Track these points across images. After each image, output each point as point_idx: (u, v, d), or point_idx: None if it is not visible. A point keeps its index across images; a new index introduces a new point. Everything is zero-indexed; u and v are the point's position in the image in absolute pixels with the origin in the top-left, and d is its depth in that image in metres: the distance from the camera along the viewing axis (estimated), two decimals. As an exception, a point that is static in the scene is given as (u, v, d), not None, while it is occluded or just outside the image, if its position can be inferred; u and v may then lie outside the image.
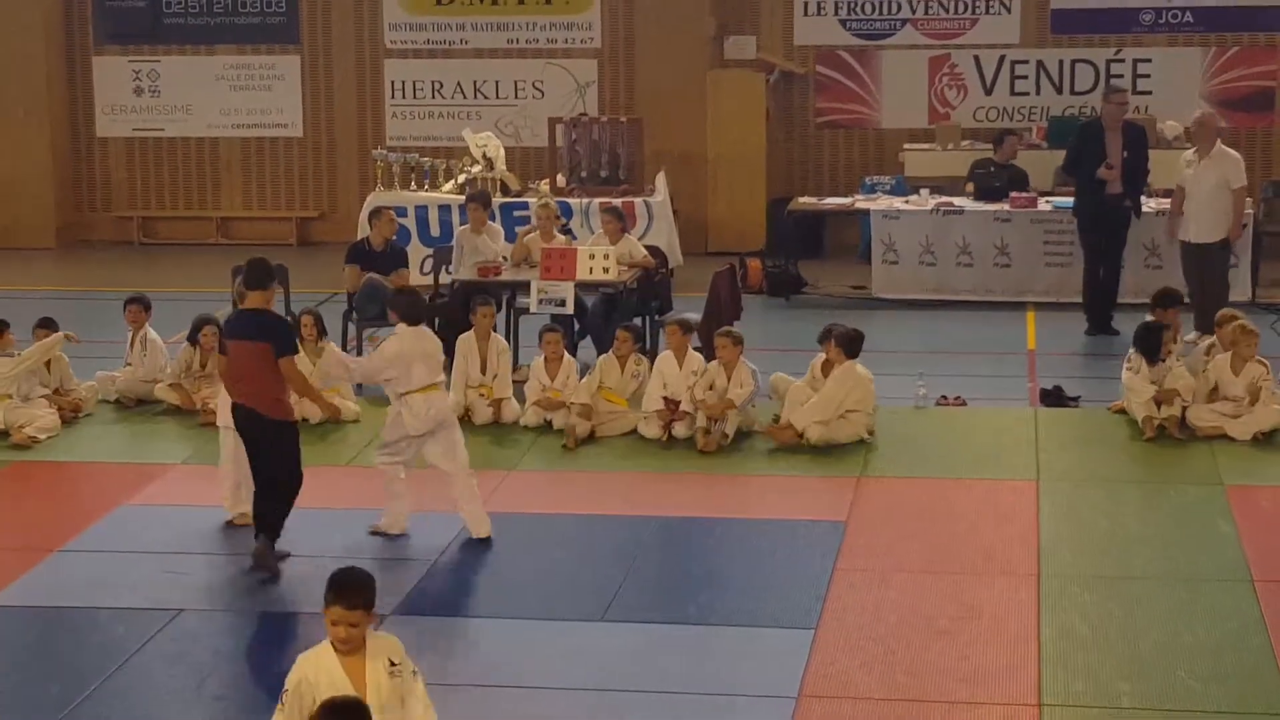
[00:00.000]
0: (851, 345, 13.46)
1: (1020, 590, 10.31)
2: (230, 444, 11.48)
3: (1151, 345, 13.58)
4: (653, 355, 14.42)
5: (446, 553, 11.12)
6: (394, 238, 16.63)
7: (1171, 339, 13.72)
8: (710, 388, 13.47)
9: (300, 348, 12.24)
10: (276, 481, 10.85)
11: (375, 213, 16.75)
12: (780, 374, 13.97)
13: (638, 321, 15.36)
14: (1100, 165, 16.92)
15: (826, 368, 13.57)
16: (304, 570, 10.76)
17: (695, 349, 14.15)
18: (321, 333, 14.40)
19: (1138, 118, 19.94)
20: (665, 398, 13.50)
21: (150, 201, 23.56)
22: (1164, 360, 13.55)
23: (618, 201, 18.49)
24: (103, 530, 11.61)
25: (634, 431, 13.63)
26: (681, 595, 10.44)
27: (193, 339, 14.69)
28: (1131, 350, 13.77)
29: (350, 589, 7.18)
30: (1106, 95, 18.31)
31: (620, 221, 16.19)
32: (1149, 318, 14.10)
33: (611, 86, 22.62)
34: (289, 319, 13.38)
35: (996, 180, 19.36)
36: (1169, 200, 17.12)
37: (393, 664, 7.23)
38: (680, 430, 13.47)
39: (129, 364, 14.78)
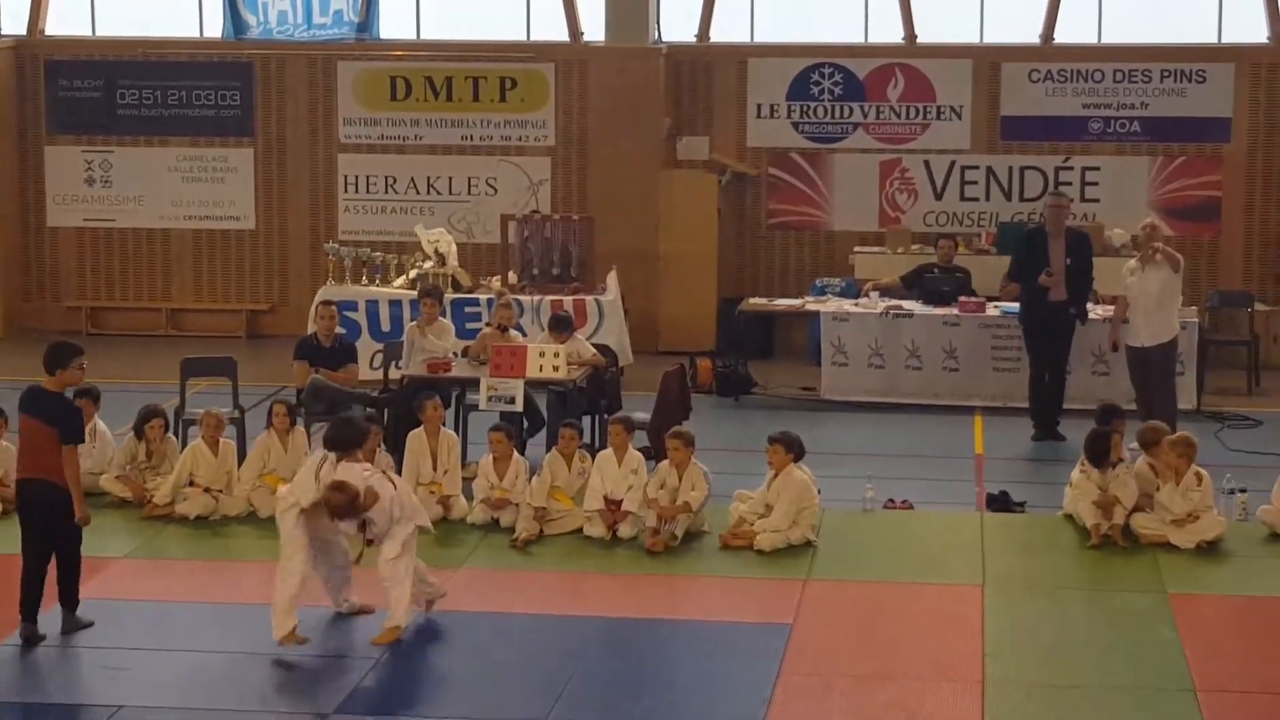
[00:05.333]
0: (799, 447, 13.54)
1: (965, 697, 10.32)
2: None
3: (1099, 451, 13.67)
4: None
5: (391, 650, 11.05)
6: (343, 332, 16.65)
7: (1119, 445, 13.80)
8: (661, 487, 13.49)
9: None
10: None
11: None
12: (738, 499, 13.86)
13: (585, 419, 15.38)
14: (1042, 272, 17.06)
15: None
16: (242, 668, 10.70)
17: (640, 448, 14.18)
18: (293, 422, 14.50)
19: (1084, 225, 20.16)
20: (606, 497, 13.51)
21: (100, 292, 23.48)
22: (1112, 466, 13.63)
23: (568, 302, 18.60)
24: (43, 625, 11.44)
25: (579, 530, 13.61)
26: (627, 697, 10.40)
27: (138, 431, 14.66)
28: (1083, 455, 13.85)
29: None
30: (1047, 200, 18.49)
31: (565, 332, 16.12)
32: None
33: (564, 184, 22.73)
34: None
35: (944, 285, 19.50)
36: (1114, 306, 17.23)
37: None
38: (625, 530, 13.47)
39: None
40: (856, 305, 19.29)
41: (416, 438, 14.19)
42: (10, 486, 13.21)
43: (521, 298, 19.03)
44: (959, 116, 22.27)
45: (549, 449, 14.48)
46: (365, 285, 19.67)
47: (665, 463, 13.67)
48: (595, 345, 16.77)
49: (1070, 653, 11.13)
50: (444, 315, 17.11)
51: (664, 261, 21.82)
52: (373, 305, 19.33)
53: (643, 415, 15.50)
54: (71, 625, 11.37)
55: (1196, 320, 18.34)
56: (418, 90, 22.78)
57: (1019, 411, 17.56)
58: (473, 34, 23.05)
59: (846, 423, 17.94)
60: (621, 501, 13.52)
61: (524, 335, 17.04)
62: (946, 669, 10.81)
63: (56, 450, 11.20)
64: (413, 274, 19.78)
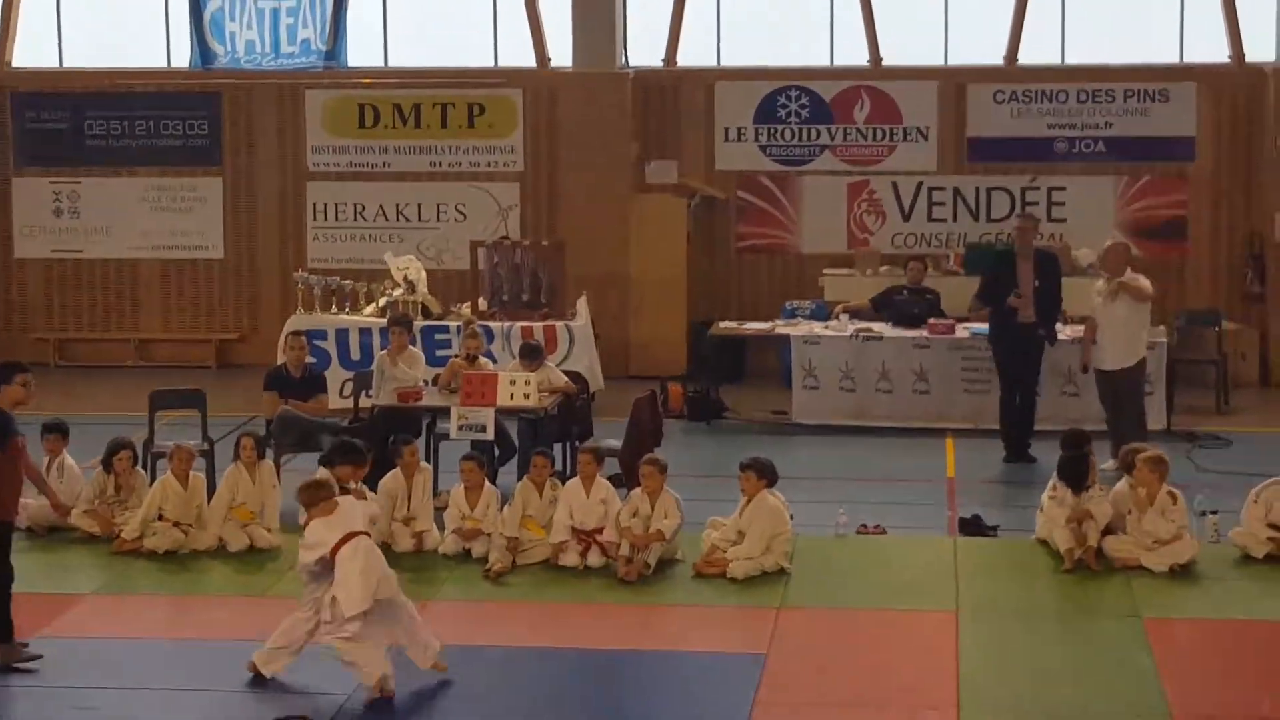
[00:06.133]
0: (772, 473, 13.51)
1: (940, 725, 10.31)
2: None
3: (1077, 475, 13.64)
4: (575, 482, 14.38)
5: (360, 687, 10.98)
6: (313, 361, 16.60)
7: (1094, 467, 13.80)
8: (634, 515, 13.45)
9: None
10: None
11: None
12: (711, 527, 13.82)
13: (557, 447, 15.34)
14: (1011, 294, 17.09)
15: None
16: (213, 705, 10.64)
17: (610, 476, 14.15)
18: (260, 455, 14.35)
19: (1051, 245, 20.22)
20: (574, 528, 13.46)
21: (68, 323, 23.42)
22: (1088, 489, 13.61)
23: (538, 328, 18.58)
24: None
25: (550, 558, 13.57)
26: (601, 730, 10.37)
27: (106, 464, 14.58)
28: (1055, 479, 13.82)
29: None
30: (1015, 222, 18.55)
31: (536, 361, 16.08)
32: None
33: (534, 209, 22.74)
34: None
35: (914, 306, 19.52)
36: (1084, 328, 17.25)
37: None
38: (595, 558, 13.41)
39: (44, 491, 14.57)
40: (827, 328, 19.30)
41: (393, 479, 14.11)
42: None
43: (491, 324, 19.02)
44: (925, 138, 22.34)
45: (520, 477, 14.45)
46: (335, 314, 19.63)
47: (638, 490, 13.63)
48: (566, 372, 16.76)
49: (1046, 679, 11.10)
50: (414, 343, 17.07)
51: (634, 286, 21.83)
52: (342, 334, 19.28)
53: (614, 442, 15.48)
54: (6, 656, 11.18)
55: (1165, 340, 18.40)
56: (386, 117, 22.78)
57: (990, 434, 17.59)
58: (441, 61, 23.06)
59: (818, 447, 17.94)
60: (592, 531, 13.47)
61: (495, 362, 17.01)
62: (922, 696, 10.78)
63: None
64: (382, 302, 19.75)
